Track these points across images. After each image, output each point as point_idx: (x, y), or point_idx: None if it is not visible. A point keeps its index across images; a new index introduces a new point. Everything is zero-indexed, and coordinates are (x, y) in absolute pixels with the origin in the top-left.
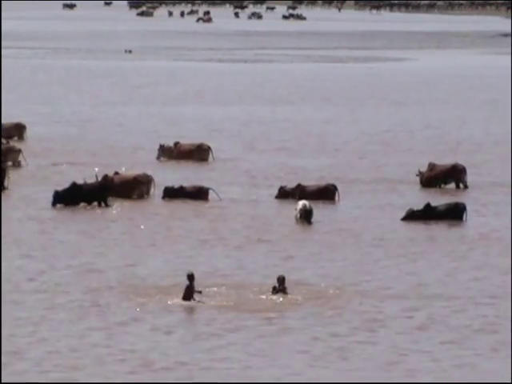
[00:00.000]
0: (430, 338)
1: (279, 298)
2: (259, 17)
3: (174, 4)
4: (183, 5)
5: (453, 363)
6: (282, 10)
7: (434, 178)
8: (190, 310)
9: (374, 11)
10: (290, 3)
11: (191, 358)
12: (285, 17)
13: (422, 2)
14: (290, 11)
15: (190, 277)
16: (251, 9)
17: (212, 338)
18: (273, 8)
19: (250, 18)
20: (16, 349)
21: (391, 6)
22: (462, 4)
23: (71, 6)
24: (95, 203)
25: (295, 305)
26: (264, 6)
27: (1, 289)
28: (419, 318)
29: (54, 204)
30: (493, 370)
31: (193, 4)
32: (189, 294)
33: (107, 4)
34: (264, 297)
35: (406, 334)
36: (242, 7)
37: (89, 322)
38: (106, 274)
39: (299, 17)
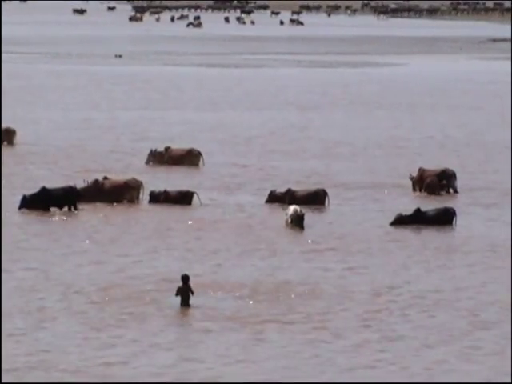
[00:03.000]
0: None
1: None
2: (244, 22)
3: (176, 9)
4: (186, 10)
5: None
6: (287, 15)
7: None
8: (233, 318)
9: (382, 16)
10: (296, 6)
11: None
12: (281, 22)
13: (423, 7)
14: (294, 16)
15: (184, 278)
16: (242, 14)
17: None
18: (277, 13)
19: (243, 23)
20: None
21: (393, 12)
22: (465, 9)
23: (81, 12)
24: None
25: (347, 310)
26: (268, 12)
27: (1, 288)
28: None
29: (20, 208)
30: None
31: (195, 10)
32: (184, 295)
33: (110, 9)
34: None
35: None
36: (248, 12)
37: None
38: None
39: (298, 22)
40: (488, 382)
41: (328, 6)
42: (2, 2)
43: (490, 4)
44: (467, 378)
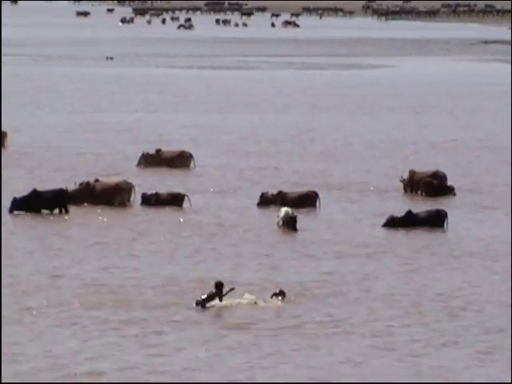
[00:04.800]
0: None
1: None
2: (236, 24)
3: (173, 11)
4: (184, 12)
5: None
6: (288, 17)
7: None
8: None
9: (383, 18)
10: (294, 8)
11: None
12: (273, 25)
13: (422, 9)
14: (293, 18)
15: (219, 285)
16: (230, 15)
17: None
18: (278, 15)
19: (236, 25)
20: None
21: (392, 14)
22: (465, 11)
23: (85, 14)
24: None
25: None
26: (268, 14)
27: (1, 293)
28: None
29: (11, 211)
30: None
31: (194, 12)
32: (211, 299)
33: (110, 11)
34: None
35: None
36: (249, 14)
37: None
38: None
39: (295, 24)
40: (488, 382)
41: (319, 8)
42: None
43: (480, 5)
44: (467, 377)
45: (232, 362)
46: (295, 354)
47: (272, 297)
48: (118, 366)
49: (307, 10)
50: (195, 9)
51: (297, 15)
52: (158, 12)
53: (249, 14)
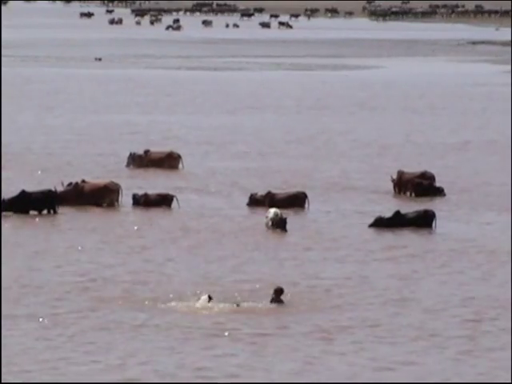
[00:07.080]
0: None
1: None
2: (226, 25)
3: (171, 12)
4: (181, 14)
5: None
6: (286, 18)
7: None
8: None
9: (381, 19)
10: (298, 11)
11: None
12: (265, 25)
13: (419, 10)
14: (292, 19)
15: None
16: (223, 17)
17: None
18: (277, 16)
19: (235, 26)
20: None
21: (389, 15)
22: (465, 12)
23: (89, 15)
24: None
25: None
26: (268, 15)
27: (1, 290)
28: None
29: None
30: None
31: (192, 12)
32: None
33: (109, 12)
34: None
35: None
36: (249, 15)
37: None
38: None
39: (288, 25)
40: (488, 382)
41: (308, 9)
42: None
43: (469, 6)
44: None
45: (229, 363)
46: (291, 355)
47: (272, 301)
48: (106, 366)
49: (308, 10)
50: (194, 9)
51: (296, 16)
52: (157, 13)
53: (249, 14)
